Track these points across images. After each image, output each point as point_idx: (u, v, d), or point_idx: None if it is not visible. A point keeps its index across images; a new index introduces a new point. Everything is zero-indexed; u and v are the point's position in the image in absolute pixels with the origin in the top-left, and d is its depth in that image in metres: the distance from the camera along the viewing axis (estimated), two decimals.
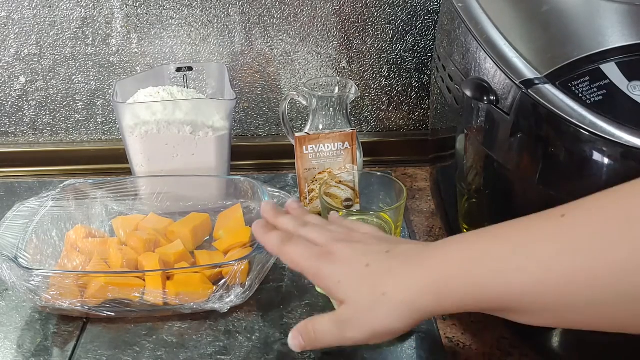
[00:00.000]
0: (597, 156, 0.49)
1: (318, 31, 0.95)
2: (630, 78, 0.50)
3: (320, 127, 0.85)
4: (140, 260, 0.70)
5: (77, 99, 0.97)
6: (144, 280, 0.66)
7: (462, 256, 0.44)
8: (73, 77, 0.96)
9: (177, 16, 0.93)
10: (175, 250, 0.71)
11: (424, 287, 0.45)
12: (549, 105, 0.51)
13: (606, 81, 0.50)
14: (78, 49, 0.94)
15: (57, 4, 0.92)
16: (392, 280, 0.47)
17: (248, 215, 0.77)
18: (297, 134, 0.78)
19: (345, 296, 0.49)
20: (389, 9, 0.94)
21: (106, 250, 0.72)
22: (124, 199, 0.80)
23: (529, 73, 0.53)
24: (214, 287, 0.65)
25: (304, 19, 0.94)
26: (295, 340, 0.54)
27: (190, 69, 0.92)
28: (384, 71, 0.98)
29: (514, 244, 0.42)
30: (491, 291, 0.42)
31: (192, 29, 0.94)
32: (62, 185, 0.77)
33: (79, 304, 0.64)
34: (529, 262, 0.40)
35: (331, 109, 0.84)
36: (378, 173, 0.81)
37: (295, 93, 0.87)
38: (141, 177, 0.83)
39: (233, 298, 0.65)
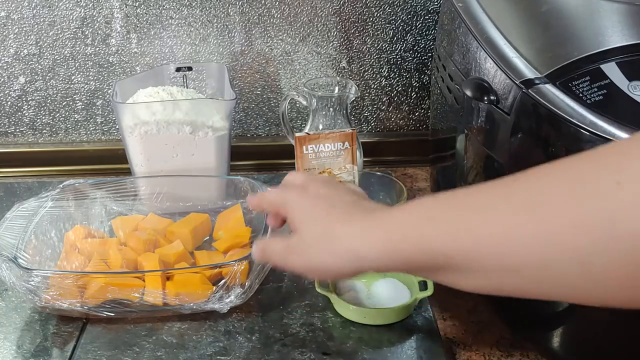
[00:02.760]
0: None
1: (318, 31, 0.95)
2: (630, 78, 0.50)
3: (320, 127, 0.85)
4: (139, 261, 0.70)
5: (77, 99, 0.97)
6: (143, 280, 0.66)
7: (418, 217, 0.45)
8: (72, 77, 0.96)
9: (177, 16, 0.93)
10: (175, 250, 0.71)
11: (374, 237, 0.46)
12: (549, 105, 0.51)
13: (606, 81, 0.50)
14: (77, 49, 0.94)
15: (56, 4, 0.91)
16: (348, 224, 0.48)
17: (248, 216, 0.77)
18: (297, 134, 0.78)
19: (301, 226, 0.52)
20: (389, 8, 0.94)
21: (106, 250, 0.72)
22: (123, 199, 0.80)
23: (529, 73, 0.53)
24: (214, 288, 0.65)
25: (304, 19, 0.94)
26: (254, 251, 0.57)
27: (189, 69, 0.92)
28: (384, 71, 0.98)
29: (467, 206, 0.43)
30: (440, 247, 0.42)
31: (192, 29, 0.94)
32: (61, 186, 0.77)
33: (79, 305, 0.64)
34: (480, 221, 0.41)
35: (331, 109, 0.84)
36: (378, 173, 0.81)
37: (295, 93, 0.87)
38: (141, 177, 0.82)
39: (233, 298, 0.65)
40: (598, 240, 0.36)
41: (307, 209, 0.52)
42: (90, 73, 0.96)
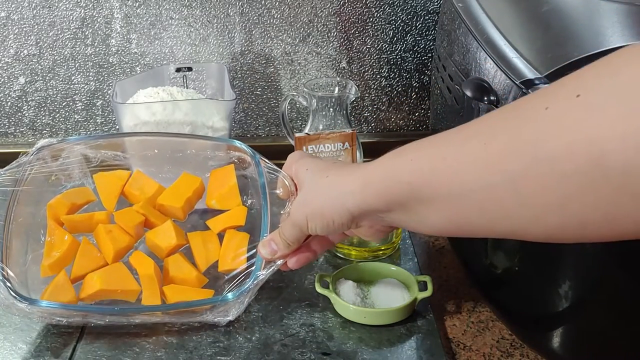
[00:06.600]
0: None
1: (318, 31, 0.95)
2: None
3: (320, 127, 0.85)
4: (131, 262, 0.69)
5: (77, 99, 0.97)
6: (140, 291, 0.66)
7: (389, 156, 0.50)
8: (72, 78, 0.96)
9: (177, 16, 0.93)
10: (167, 244, 0.70)
11: (358, 175, 0.52)
12: None
13: None
14: (77, 49, 0.94)
15: (56, 5, 0.91)
16: (344, 173, 0.54)
17: (241, 172, 0.74)
18: (297, 135, 0.78)
19: (307, 178, 0.57)
20: (389, 9, 0.94)
21: (93, 226, 0.70)
22: (105, 151, 0.74)
23: (529, 73, 0.53)
24: (213, 306, 0.64)
25: (304, 19, 0.94)
26: (262, 253, 0.62)
27: (189, 69, 0.92)
28: (384, 71, 0.98)
29: (428, 143, 0.47)
30: (405, 176, 0.47)
31: (192, 29, 0.94)
32: (34, 148, 0.70)
33: (75, 319, 0.63)
34: (437, 152, 0.45)
35: (331, 109, 0.84)
36: None
37: (295, 93, 0.87)
38: (127, 134, 0.78)
39: (231, 317, 0.64)
40: (525, 162, 0.38)
41: (312, 163, 0.58)
42: (90, 73, 0.96)
